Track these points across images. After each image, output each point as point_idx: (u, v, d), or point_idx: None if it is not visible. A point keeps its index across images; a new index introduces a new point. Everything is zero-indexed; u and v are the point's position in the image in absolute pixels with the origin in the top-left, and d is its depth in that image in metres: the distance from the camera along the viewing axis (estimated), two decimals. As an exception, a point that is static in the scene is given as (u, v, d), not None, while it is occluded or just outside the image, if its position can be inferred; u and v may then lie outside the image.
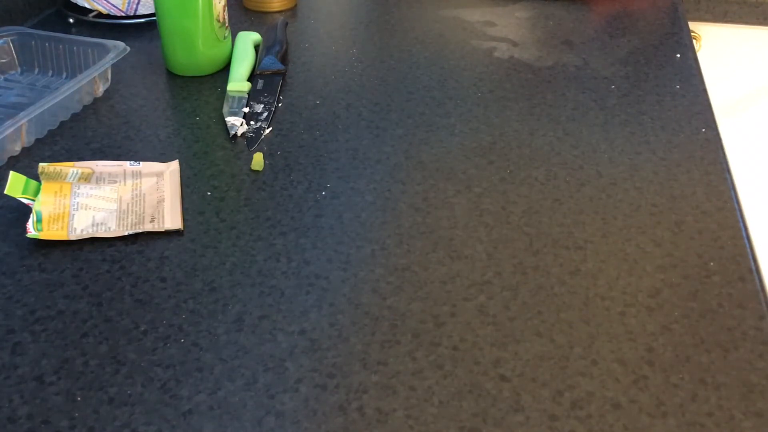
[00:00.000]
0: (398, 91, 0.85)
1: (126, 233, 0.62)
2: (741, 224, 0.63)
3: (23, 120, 0.70)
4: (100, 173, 0.68)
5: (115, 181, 0.67)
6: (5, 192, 0.63)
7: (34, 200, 0.63)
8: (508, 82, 0.86)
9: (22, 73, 0.87)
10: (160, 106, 0.85)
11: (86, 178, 0.67)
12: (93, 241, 0.61)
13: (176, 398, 0.48)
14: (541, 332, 0.53)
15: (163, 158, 0.72)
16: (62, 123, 0.78)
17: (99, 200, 0.65)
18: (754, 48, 1.24)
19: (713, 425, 0.47)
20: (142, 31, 0.97)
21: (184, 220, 0.64)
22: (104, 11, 0.97)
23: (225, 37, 0.88)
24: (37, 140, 0.75)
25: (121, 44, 0.82)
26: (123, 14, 0.97)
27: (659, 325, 0.54)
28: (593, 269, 0.59)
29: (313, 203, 0.66)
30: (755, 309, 0.55)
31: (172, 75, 0.88)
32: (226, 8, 0.88)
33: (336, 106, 0.82)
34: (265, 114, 0.79)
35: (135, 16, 0.98)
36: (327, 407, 0.48)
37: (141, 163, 0.69)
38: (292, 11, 1.06)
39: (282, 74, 0.87)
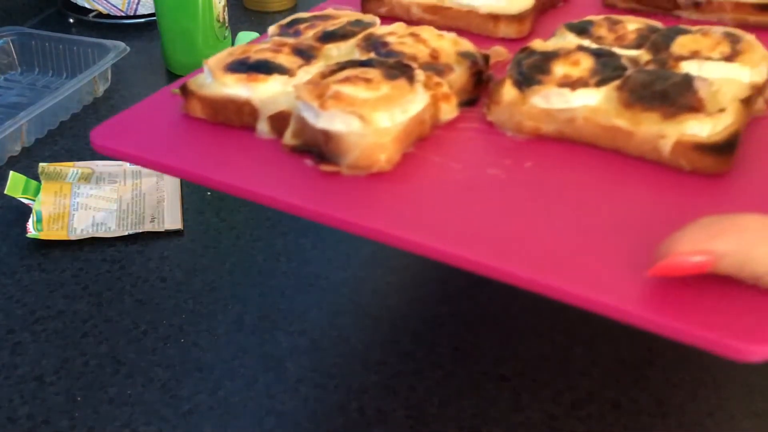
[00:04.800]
0: (398, 90, 0.85)
1: (126, 233, 0.62)
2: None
3: (23, 120, 0.70)
4: (100, 173, 0.68)
5: (115, 181, 0.67)
6: (5, 192, 0.63)
7: (34, 200, 0.63)
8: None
9: (22, 73, 0.87)
10: (160, 106, 0.85)
11: (86, 178, 0.67)
12: (93, 241, 0.61)
13: (176, 398, 0.48)
14: (542, 332, 0.53)
15: (163, 158, 0.71)
16: (62, 123, 0.78)
17: (99, 200, 0.65)
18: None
19: (713, 425, 0.46)
20: (142, 31, 0.97)
21: (184, 220, 0.64)
22: (104, 11, 0.97)
23: (225, 37, 0.88)
24: (37, 140, 0.75)
25: (121, 44, 0.82)
26: (123, 14, 0.97)
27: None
28: (593, 269, 0.59)
29: (313, 203, 0.66)
30: (755, 309, 0.55)
31: (171, 75, 0.88)
32: (226, 8, 0.88)
33: (336, 106, 0.82)
34: (265, 114, 0.79)
35: (135, 16, 0.98)
36: (327, 407, 0.48)
37: (141, 163, 0.69)
38: (292, 11, 1.06)
39: (282, 74, 0.86)
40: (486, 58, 0.42)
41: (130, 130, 0.39)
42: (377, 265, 0.59)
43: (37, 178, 0.66)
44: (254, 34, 0.92)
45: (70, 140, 0.75)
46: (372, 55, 0.39)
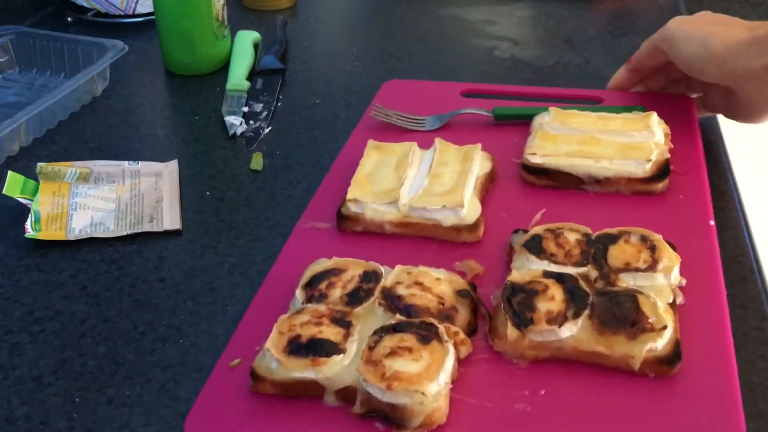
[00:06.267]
0: (398, 90, 0.84)
1: (124, 233, 0.61)
2: (743, 224, 0.63)
3: (21, 119, 0.70)
4: (99, 173, 0.67)
5: (114, 181, 0.67)
6: (3, 192, 0.62)
7: (32, 200, 0.63)
8: (508, 81, 0.85)
9: (20, 73, 0.86)
10: (158, 106, 0.85)
11: (85, 178, 0.67)
12: (91, 241, 0.61)
13: (175, 399, 0.48)
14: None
15: (162, 158, 0.71)
16: (60, 122, 0.77)
17: (97, 200, 0.64)
18: (755, 47, 1.24)
19: (715, 426, 0.46)
20: (140, 30, 0.97)
21: (183, 220, 0.64)
22: (102, 10, 0.97)
23: (224, 36, 0.88)
24: (36, 140, 0.74)
25: (119, 43, 0.82)
26: (121, 13, 0.97)
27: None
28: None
29: (313, 203, 0.65)
30: (757, 310, 0.54)
31: (170, 74, 0.88)
32: (225, 7, 0.87)
33: (336, 105, 0.82)
34: (265, 113, 0.79)
35: (134, 15, 0.98)
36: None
37: (140, 162, 0.69)
38: (292, 10, 1.06)
39: (281, 73, 0.86)
40: (474, 287, 0.50)
41: (214, 416, 0.44)
42: (377, 266, 0.59)
43: (35, 177, 0.65)
44: (254, 33, 0.92)
45: (68, 140, 0.75)
46: (396, 315, 0.47)
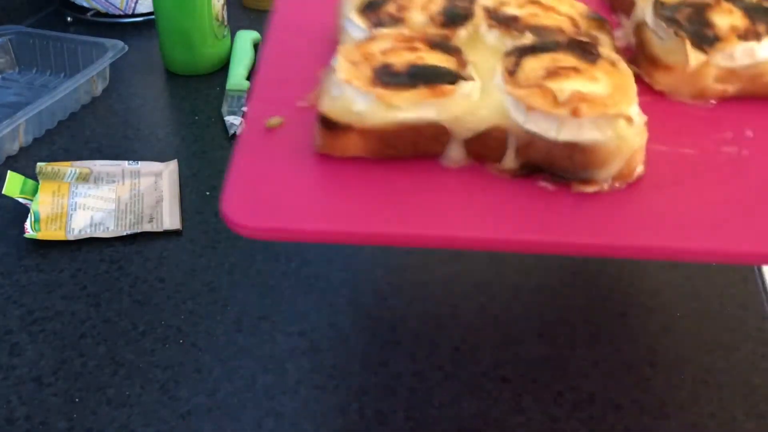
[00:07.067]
0: (398, 90, 0.84)
1: (124, 233, 0.61)
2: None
3: (21, 119, 0.70)
4: (99, 173, 0.67)
5: (114, 181, 0.67)
6: (3, 192, 0.62)
7: (31, 200, 0.63)
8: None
9: (20, 72, 0.86)
10: (158, 106, 0.84)
11: (84, 178, 0.67)
12: (91, 241, 0.61)
13: (175, 399, 0.48)
14: (542, 333, 0.53)
15: (162, 158, 0.71)
16: (60, 122, 0.77)
17: (97, 200, 0.64)
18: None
19: (715, 426, 0.46)
20: (140, 29, 0.97)
21: (183, 220, 0.64)
22: (102, 10, 0.97)
23: (224, 36, 0.88)
24: (35, 140, 0.74)
25: (119, 43, 0.82)
26: (121, 13, 0.97)
27: (660, 326, 0.53)
28: (594, 269, 0.59)
29: (313, 203, 0.65)
30: (758, 310, 0.54)
31: (170, 74, 0.88)
32: (225, 7, 0.87)
33: (335, 105, 0.81)
34: (265, 113, 0.79)
35: (133, 15, 0.97)
36: (326, 408, 0.48)
37: (139, 162, 0.69)
38: (292, 10, 1.05)
39: (281, 73, 0.86)
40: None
41: (269, 199, 0.28)
42: (377, 265, 0.59)
43: (35, 177, 0.65)
44: (254, 33, 0.92)
45: (68, 140, 0.75)
46: (515, 33, 0.34)
